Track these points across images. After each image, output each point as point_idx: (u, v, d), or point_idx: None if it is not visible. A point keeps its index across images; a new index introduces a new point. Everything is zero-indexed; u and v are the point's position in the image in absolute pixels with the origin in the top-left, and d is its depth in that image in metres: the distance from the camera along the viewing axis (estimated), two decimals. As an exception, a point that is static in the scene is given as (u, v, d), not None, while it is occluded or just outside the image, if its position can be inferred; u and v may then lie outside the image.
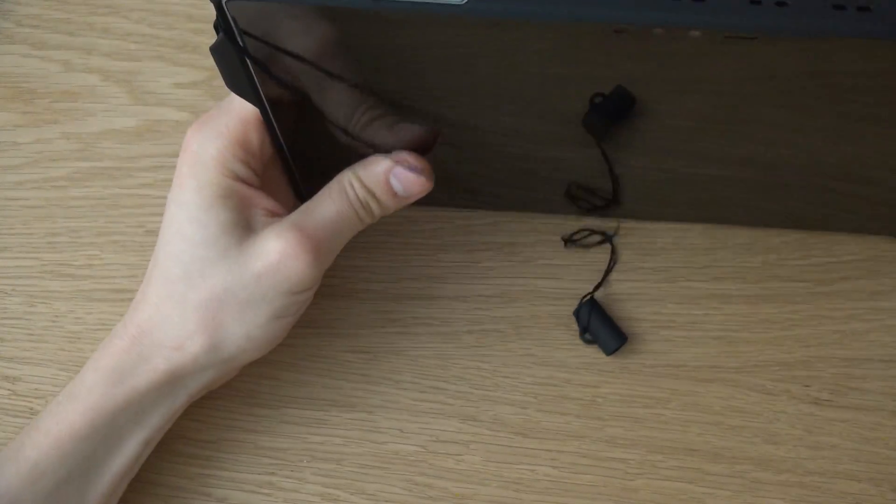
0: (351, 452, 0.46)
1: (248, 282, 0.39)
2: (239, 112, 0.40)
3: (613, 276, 0.50)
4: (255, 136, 0.40)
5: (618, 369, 0.48)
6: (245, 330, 0.40)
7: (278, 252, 0.39)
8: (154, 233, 0.51)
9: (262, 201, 0.41)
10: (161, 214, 0.52)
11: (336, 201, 0.41)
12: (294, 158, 0.45)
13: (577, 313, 0.47)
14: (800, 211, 0.49)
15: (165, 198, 0.52)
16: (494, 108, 0.43)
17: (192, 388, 0.41)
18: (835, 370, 0.47)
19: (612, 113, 0.43)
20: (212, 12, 0.38)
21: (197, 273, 0.39)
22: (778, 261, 0.50)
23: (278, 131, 0.43)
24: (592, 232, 0.50)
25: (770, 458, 0.46)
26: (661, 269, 0.50)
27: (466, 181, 0.50)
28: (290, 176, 0.47)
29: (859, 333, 0.48)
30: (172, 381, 0.40)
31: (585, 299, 0.48)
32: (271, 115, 0.41)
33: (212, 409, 0.47)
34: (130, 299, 0.49)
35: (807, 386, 0.47)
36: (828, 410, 0.47)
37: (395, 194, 0.41)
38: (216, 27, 0.36)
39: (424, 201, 0.51)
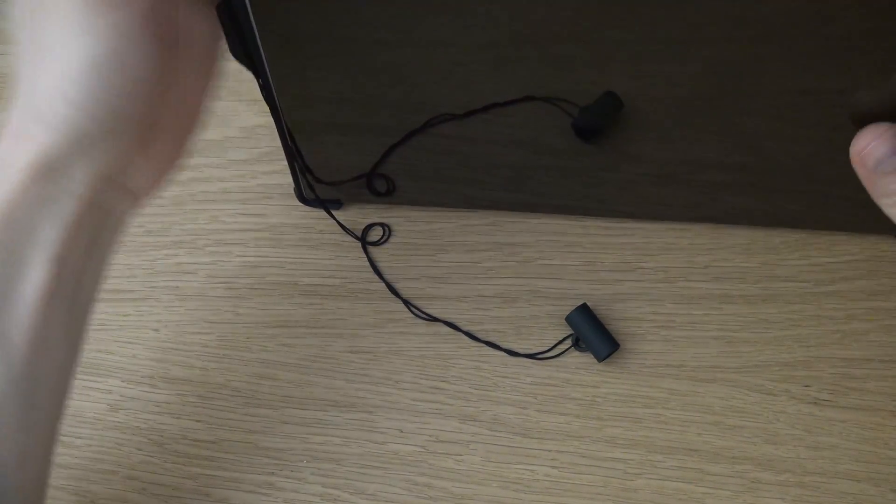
0: (351, 452, 0.46)
1: (39, 26, 0.32)
2: None
3: (613, 275, 0.50)
4: None
5: (617, 369, 0.48)
6: (56, 80, 0.33)
7: None
8: (154, 233, 0.51)
9: None
10: (161, 214, 0.52)
11: None
12: (295, 139, 0.44)
13: (569, 320, 0.47)
14: (798, 210, 0.49)
15: (165, 198, 0.52)
16: (485, 110, 0.44)
17: (76, 178, 0.35)
18: (835, 370, 0.47)
19: (601, 116, 0.43)
20: (212, 12, 0.38)
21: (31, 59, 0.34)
22: (778, 261, 0.50)
23: (280, 106, 0.42)
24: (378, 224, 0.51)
25: (770, 458, 0.46)
26: (661, 269, 0.50)
27: (465, 185, 0.50)
28: (290, 160, 0.46)
29: (859, 333, 0.48)
30: (37, 176, 0.34)
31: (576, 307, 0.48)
32: (273, 88, 0.40)
33: (212, 409, 0.47)
34: (131, 299, 0.49)
35: (807, 386, 0.47)
36: (828, 410, 0.47)
37: None
38: None
39: (423, 201, 0.51)
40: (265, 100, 0.41)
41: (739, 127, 0.43)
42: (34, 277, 0.35)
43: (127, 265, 0.50)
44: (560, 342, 0.48)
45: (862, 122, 0.34)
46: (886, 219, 0.49)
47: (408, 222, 0.51)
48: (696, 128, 0.44)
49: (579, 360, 0.48)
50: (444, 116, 0.44)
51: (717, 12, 0.37)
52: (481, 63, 0.41)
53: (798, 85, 0.40)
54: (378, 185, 0.50)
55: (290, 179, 0.51)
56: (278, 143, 0.46)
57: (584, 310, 0.47)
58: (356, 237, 0.51)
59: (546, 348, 0.48)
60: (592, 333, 0.47)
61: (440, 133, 0.45)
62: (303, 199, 0.51)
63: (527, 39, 0.39)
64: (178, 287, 0.50)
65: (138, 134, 0.36)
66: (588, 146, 0.46)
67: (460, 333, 0.48)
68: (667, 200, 0.49)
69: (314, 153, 0.46)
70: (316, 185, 0.49)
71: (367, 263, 0.50)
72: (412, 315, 0.49)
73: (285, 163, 0.50)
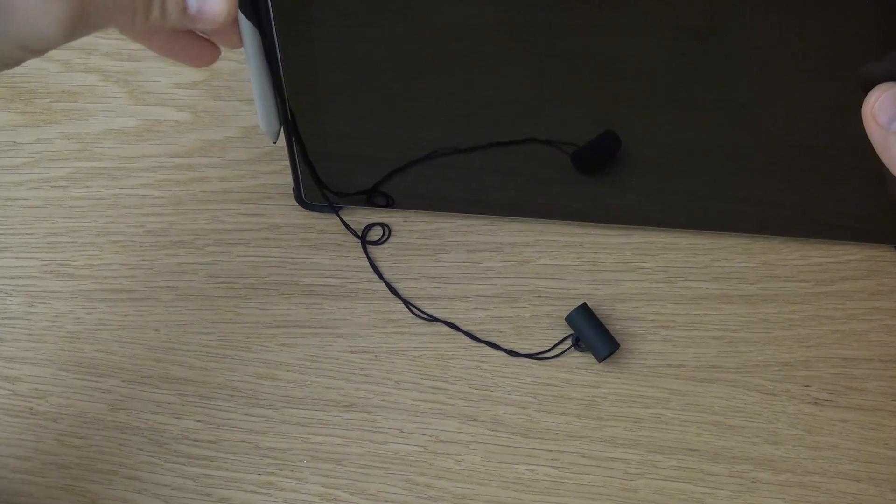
0: (351, 452, 0.46)
1: None
2: None
3: (613, 275, 0.50)
4: None
5: (618, 369, 0.48)
6: None
7: None
8: (154, 232, 0.51)
9: None
10: (161, 214, 0.52)
11: None
12: (297, 115, 0.43)
13: (569, 319, 0.47)
14: (798, 222, 0.49)
15: (165, 198, 0.52)
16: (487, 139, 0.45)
17: None
18: (835, 370, 0.47)
19: (600, 154, 0.44)
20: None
21: None
22: (777, 261, 0.50)
23: (283, 77, 0.40)
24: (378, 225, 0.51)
25: (770, 458, 0.46)
26: (661, 269, 0.50)
27: (464, 203, 0.50)
28: (290, 146, 0.45)
29: (859, 333, 0.48)
30: None
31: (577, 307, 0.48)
32: (279, 53, 0.39)
33: (212, 409, 0.47)
34: (131, 299, 0.50)
35: (807, 386, 0.47)
36: (828, 410, 0.47)
37: (184, 8, 0.35)
38: None
39: (424, 205, 0.51)
40: (267, 62, 0.39)
41: (740, 161, 0.44)
42: None
43: (127, 265, 0.50)
44: (560, 342, 0.48)
45: (872, 85, 0.33)
46: (886, 228, 0.50)
47: (408, 222, 0.51)
48: (694, 162, 0.45)
49: (579, 360, 0.48)
50: (447, 149, 0.45)
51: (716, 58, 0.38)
52: (488, 104, 0.43)
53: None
54: (377, 200, 0.50)
55: (290, 179, 0.51)
56: (278, 143, 0.46)
57: (584, 310, 0.47)
58: (357, 235, 0.51)
59: (546, 348, 0.48)
60: (592, 333, 0.47)
61: (443, 163, 0.46)
62: (302, 202, 0.51)
63: (532, 87, 0.40)
64: (178, 287, 0.50)
65: None
66: (587, 178, 0.46)
67: (460, 333, 0.48)
68: (665, 216, 0.50)
69: (319, 114, 0.45)
70: (318, 189, 0.49)
71: (367, 263, 0.50)
72: (412, 315, 0.49)
73: (286, 163, 0.50)
